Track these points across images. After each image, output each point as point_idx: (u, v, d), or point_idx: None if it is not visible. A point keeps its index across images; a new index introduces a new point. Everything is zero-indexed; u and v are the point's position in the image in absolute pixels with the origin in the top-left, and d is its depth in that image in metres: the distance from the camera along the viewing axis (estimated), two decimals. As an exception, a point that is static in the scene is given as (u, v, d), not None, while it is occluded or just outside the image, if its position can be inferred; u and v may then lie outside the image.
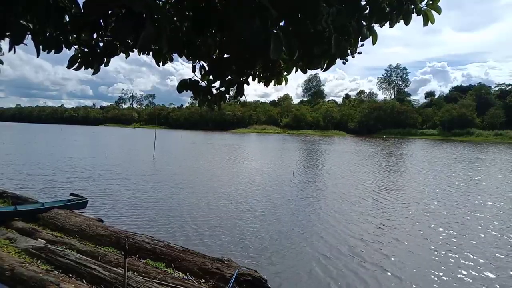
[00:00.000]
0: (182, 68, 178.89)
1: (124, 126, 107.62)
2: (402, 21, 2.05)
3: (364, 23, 1.97)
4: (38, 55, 2.09)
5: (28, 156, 20.74)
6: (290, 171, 17.96)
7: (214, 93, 2.53)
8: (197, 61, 2.45)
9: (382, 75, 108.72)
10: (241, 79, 2.31)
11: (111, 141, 42.68)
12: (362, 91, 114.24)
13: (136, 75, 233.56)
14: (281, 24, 1.73)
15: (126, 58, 2.51)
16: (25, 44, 2.00)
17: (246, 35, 1.49)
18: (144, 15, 1.49)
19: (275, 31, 1.56)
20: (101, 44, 2.23)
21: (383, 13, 1.94)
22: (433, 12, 2.02)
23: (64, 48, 2.14)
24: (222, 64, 2.21)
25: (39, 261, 5.01)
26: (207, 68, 2.41)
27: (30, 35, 1.95)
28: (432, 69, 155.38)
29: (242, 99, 2.42)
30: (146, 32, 1.46)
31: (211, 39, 2.17)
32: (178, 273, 4.99)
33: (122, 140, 46.02)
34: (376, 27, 2.07)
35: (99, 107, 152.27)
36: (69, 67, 2.23)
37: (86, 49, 2.23)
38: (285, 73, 2.50)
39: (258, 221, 8.79)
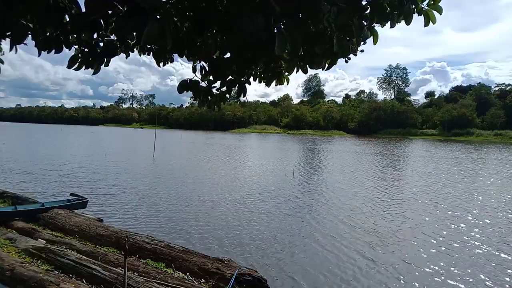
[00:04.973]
0: (182, 68, 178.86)
1: (128, 126, 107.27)
2: (403, 21, 2.04)
3: (365, 23, 1.97)
4: (39, 55, 2.09)
5: (28, 156, 20.73)
6: (290, 171, 17.96)
7: (214, 93, 2.53)
8: (198, 61, 2.45)
9: (382, 75, 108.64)
10: (242, 79, 2.31)
11: (111, 141, 42.65)
12: (362, 91, 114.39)
13: (136, 75, 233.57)
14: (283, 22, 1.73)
15: (126, 58, 2.51)
16: (25, 44, 2.00)
17: (250, 30, 1.49)
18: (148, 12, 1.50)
19: (278, 27, 1.56)
20: (101, 44, 2.23)
21: (384, 13, 1.94)
22: (434, 12, 2.01)
23: (64, 48, 2.14)
24: (223, 64, 2.20)
25: (39, 261, 5.00)
26: (207, 69, 2.40)
27: (30, 35, 1.95)
28: (432, 69, 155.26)
29: (243, 99, 2.42)
30: (150, 28, 1.46)
31: (212, 39, 2.17)
32: (178, 273, 4.99)
33: (122, 140, 46.01)
34: (377, 27, 2.07)
35: (99, 107, 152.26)
36: (69, 67, 2.23)
37: (86, 49, 2.23)
38: (286, 73, 2.50)
39: (258, 221, 8.79)
